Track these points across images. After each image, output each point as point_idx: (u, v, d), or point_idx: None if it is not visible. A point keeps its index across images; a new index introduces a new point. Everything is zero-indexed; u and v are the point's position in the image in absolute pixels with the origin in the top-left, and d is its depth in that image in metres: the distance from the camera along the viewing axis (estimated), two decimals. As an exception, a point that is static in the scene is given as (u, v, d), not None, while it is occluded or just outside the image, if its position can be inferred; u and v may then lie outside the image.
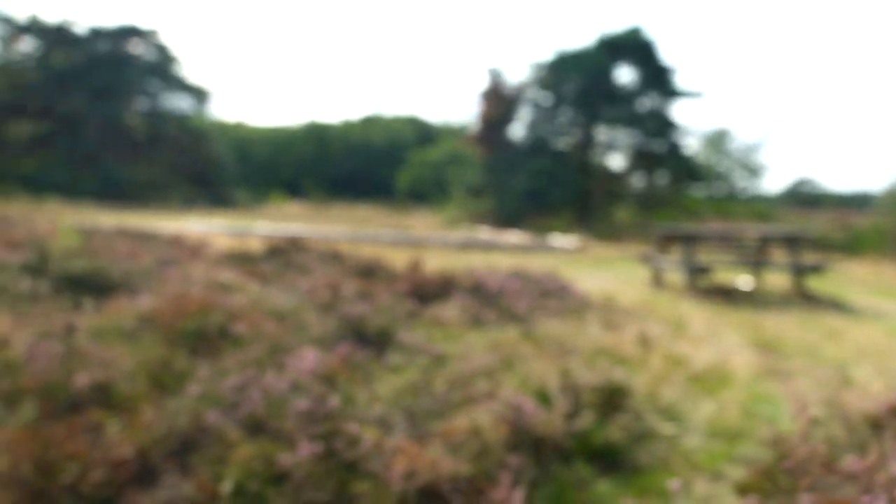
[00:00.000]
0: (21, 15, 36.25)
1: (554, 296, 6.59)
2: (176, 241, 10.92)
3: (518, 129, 28.28)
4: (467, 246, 16.19)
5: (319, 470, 2.51)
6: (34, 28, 35.55)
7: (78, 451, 2.74)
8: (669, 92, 27.23)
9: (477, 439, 2.88)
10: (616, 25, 38.84)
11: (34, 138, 35.89)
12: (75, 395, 3.19)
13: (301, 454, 2.54)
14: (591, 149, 28.07)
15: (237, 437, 2.79)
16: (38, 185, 28.93)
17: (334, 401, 2.79)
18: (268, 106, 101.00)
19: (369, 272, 7.62)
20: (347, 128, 57.82)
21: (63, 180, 31.85)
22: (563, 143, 28.46)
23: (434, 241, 16.46)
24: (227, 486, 2.48)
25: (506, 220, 25.08)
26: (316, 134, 56.38)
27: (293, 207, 38.39)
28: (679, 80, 27.48)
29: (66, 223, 13.04)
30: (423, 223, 26.96)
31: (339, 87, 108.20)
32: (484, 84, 28.17)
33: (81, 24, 36.30)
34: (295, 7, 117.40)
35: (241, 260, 8.24)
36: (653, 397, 3.71)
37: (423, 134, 55.34)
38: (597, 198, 26.75)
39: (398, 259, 9.21)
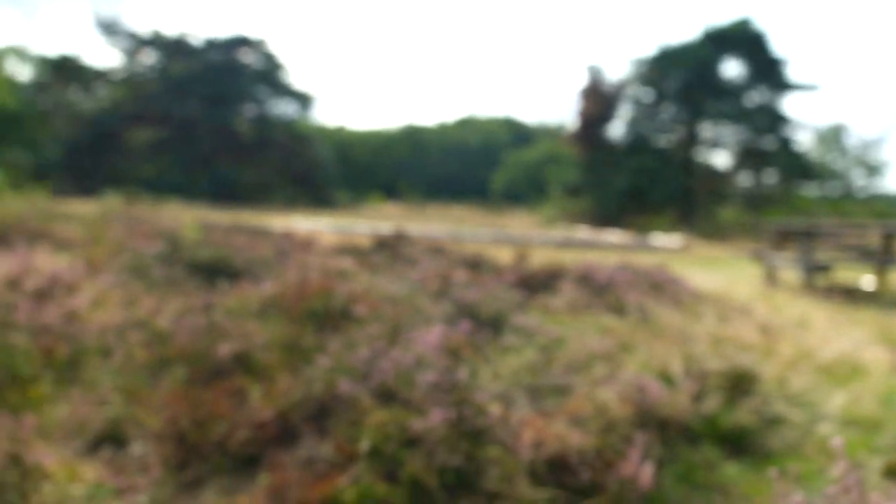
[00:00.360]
0: (144, 30, 38.82)
1: (665, 288, 6.45)
2: (287, 237, 11.43)
3: (617, 127, 27.74)
4: (566, 245, 16.04)
5: (450, 436, 2.59)
6: (156, 41, 38.06)
7: (224, 412, 2.95)
8: (780, 85, 25.94)
9: (602, 416, 2.89)
10: (723, 17, 37.38)
11: (153, 144, 38.41)
12: (218, 363, 3.43)
13: (432, 420, 2.63)
14: (694, 146, 27.15)
15: (369, 404, 2.92)
16: (158, 188, 30.92)
17: (462, 373, 2.87)
18: (367, 110, 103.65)
19: (475, 264, 7.71)
20: (443, 130, 58.51)
21: (179, 182, 33.94)
22: (665, 140, 27.68)
23: (533, 240, 16.40)
24: (363, 447, 2.60)
25: (604, 219, 24.65)
26: (412, 137, 57.38)
27: (390, 208, 39.23)
28: (791, 73, 26.21)
29: (185, 220, 13.88)
30: (519, 223, 26.90)
31: (436, 90, 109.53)
32: (582, 82, 27.82)
33: (197, 36, 38.55)
34: (393, 13, 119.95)
35: (350, 252, 8.53)
36: (781, 385, 3.58)
37: (518, 135, 55.25)
38: (700, 196, 25.83)
39: (500, 255, 9.26)
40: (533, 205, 35.29)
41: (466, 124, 58.76)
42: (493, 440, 2.66)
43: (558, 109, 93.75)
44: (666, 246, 16.56)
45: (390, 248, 9.07)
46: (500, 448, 2.63)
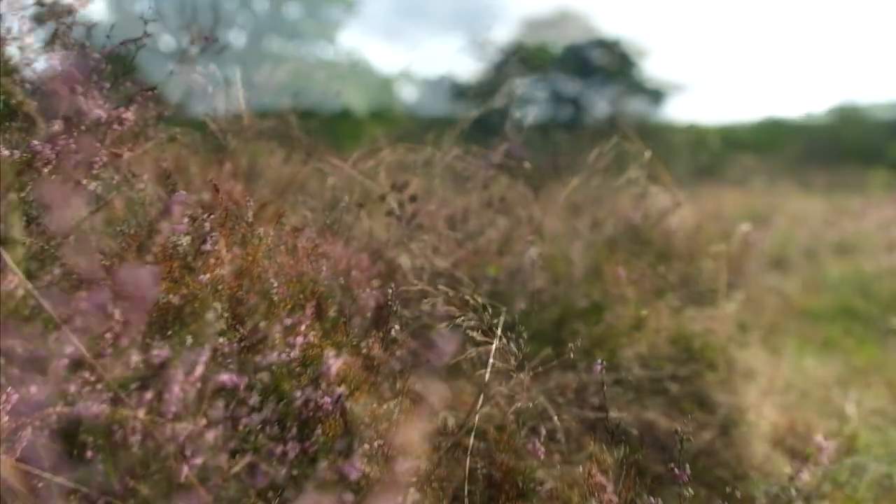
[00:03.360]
0: (506, 45, 42.92)
1: None
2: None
3: None
4: None
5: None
6: (518, 52, 41.81)
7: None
8: None
9: None
10: None
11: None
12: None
13: (902, 258, 2.84)
14: None
15: (825, 256, 3.23)
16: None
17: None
18: (721, 102, 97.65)
19: None
20: (809, 122, 52.91)
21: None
22: None
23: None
24: (833, 278, 2.93)
25: None
26: (771, 130, 53.07)
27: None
28: None
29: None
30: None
31: (800, 75, 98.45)
32: None
33: (555, 44, 41.26)
34: None
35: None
36: None
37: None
38: None
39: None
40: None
41: (839, 113, 52.26)
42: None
43: None
44: None
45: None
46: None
